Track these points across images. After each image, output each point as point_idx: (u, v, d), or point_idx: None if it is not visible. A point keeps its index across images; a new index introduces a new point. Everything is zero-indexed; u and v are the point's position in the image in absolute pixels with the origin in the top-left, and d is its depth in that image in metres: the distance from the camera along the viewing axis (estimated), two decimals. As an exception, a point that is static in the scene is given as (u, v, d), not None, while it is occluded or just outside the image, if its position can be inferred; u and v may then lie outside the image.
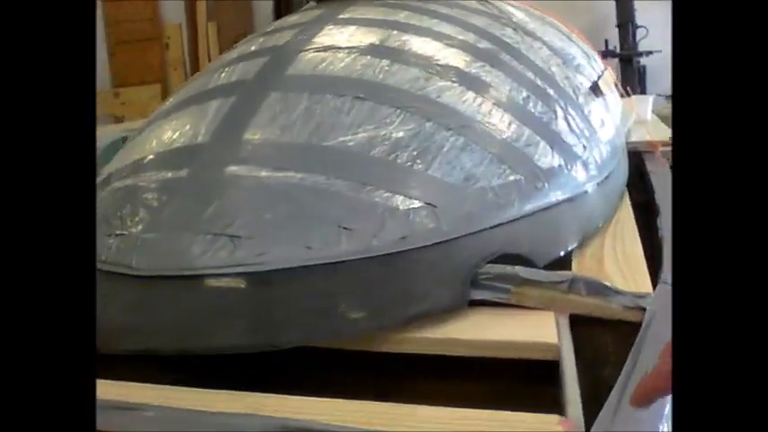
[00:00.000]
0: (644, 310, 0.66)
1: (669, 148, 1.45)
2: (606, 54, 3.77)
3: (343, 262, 0.66)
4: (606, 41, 3.83)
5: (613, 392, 0.52)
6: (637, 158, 1.36)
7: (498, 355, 0.64)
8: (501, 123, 0.87)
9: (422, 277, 0.69)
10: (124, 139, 2.51)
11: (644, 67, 3.76)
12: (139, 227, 0.72)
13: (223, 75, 0.97)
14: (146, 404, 0.58)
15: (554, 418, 0.51)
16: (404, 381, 0.66)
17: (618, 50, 3.79)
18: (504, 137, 0.86)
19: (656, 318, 0.64)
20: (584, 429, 0.50)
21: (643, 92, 3.37)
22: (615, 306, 0.68)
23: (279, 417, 0.51)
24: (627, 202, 1.05)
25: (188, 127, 0.85)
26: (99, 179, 0.91)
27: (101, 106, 4.74)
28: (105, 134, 2.76)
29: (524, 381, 0.64)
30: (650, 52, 3.67)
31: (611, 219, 0.97)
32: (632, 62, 3.73)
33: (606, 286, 0.69)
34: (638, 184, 1.24)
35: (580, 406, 0.53)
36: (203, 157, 0.78)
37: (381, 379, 0.66)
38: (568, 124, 0.98)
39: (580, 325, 0.70)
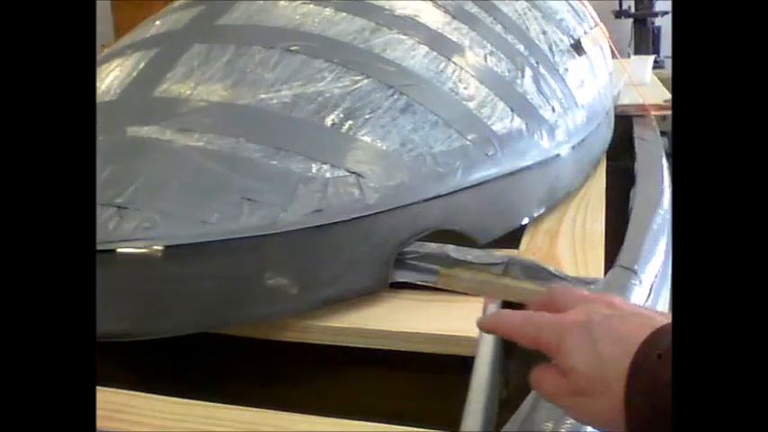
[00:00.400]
0: (588, 298, 0.58)
1: (665, 112, 1.35)
2: (620, 14, 3.61)
3: (244, 239, 0.58)
4: (620, 1, 3.66)
5: (525, 403, 0.44)
6: (627, 123, 1.26)
7: (410, 349, 0.56)
8: (454, 82, 0.78)
9: (336, 257, 0.60)
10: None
11: (659, 29, 3.59)
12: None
13: (156, 24, 0.88)
14: None
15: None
16: (305, 371, 0.59)
17: (632, 11, 3.62)
18: (456, 98, 0.76)
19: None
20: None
21: (656, 53, 3.21)
22: (556, 293, 0.59)
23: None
24: (602, 170, 0.96)
25: (106, 82, 0.76)
26: None
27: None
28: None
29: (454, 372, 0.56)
30: (665, 12, 3.50)
31: (580, 188, 0.88)
32: (646, 23, 3.56)
33: (546, 270, 0.60)
34: (628, 150, 1.14)
35: (480, 419, 0.45)
36: (111, 116, 0.70)
37: (276, 369, 0.58)
38: (537, 85, 0.88)
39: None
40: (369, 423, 0.46)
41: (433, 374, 0.59)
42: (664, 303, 0.66)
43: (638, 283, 0.61)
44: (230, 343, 0.59)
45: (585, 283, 0.60)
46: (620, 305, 0.40)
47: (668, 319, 0.35)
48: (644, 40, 3.49)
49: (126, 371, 0.59)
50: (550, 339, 0.38)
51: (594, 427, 0.38)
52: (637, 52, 3.15)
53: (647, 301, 0.60)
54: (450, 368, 0.56)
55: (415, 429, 0.44)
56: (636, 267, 0.63)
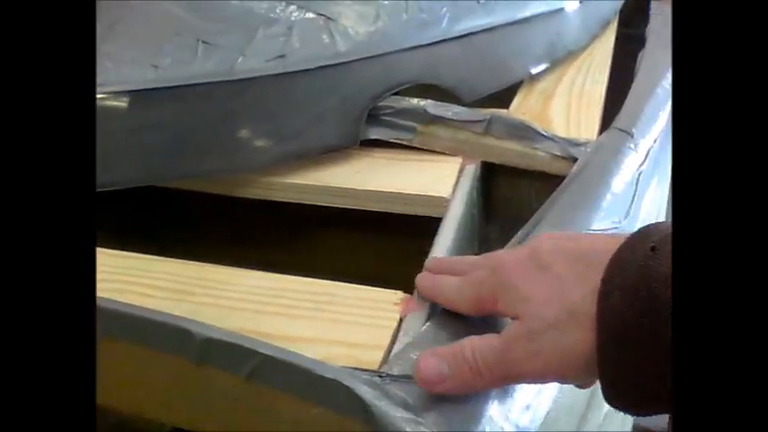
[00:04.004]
0: (576, 161, 0.53)
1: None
2: None
3: (198, 85, 0.53)
4: None
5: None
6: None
7: (381, 209, 0.52)
8: None
9: (300, 109, 0.55)
10: None
11: None
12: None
13: None
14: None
15: (397, 295, 0.40)
16: (271, 230, 0.55)
17: None
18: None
19: (585, 170, 0.50)
20: (427, 313, 0.38)
21: None
22: (541, 154, 0.54)
23: None
24: (611, 32, 0.87)
25: None
26: None
27: None
28: None
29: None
30: None
31: (584, 49, 0.80)
32: None
33: (532, 129, 0.54)
34: (644, 16, 1.04)
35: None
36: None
37: (241, 227, 0.55)
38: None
39: (500, 176, 0.57)
40: (335, 282, 0.42)
41: (404, 237, 0.55)
42: (661, 179, 0.60)
43: (633, 147, 0.55)
44: (194, 199, 0.55)
45: (575, 144, 0.54)
46: (560, 234, 0.35)
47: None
48: None
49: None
50: (494, 290, 0.33)
51: (568, 375, 0.32)
52: None
53: (641, 166, 0.55)
54: (423, 232, 0.52)
55: (363, 287, 0.41)
56: (633, 131, 0.57)
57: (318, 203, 0.54)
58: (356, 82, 0.56)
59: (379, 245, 0.59)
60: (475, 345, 0.32)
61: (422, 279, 0.40)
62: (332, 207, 0.54)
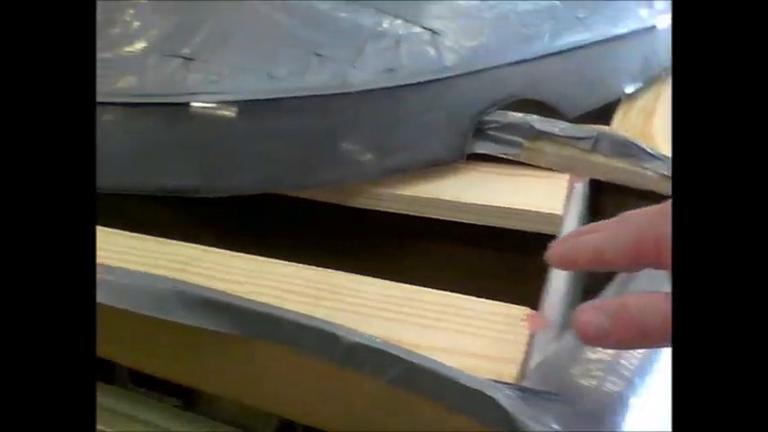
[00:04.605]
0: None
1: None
2: None
3: (311, 97, 0.54)
4: None
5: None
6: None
7: (487, 223, 0.52)
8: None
9: (409, 122, 0.56)
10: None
11: None
12: (108, 44, 0.62)
13: None
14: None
15: (523, 310, 0.40)
16: (377, 241, 0.56)
17: None
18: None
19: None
20: (556, 331, 0.38)
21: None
22: (649, 173, 0.54)
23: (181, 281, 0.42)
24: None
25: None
26: None
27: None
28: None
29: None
30: None
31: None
32: None
33: (639, 147, 0.54)
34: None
35: (560, 298, 0.41)
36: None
37: (347, 237, 0.56)
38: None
39: (607, 195, 0.57)
40: (437, 291, 0.43)
41: (512, 253, 0.55)
42: None
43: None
44: (300, 205, 0.57)
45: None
46: None
47: None
48: None
49: (196, 227, 0.58)
50: (659, 237, 0.30)
51: None
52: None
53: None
54: (529, 247, 0.52)
55: (485, 301, 0.41)
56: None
57: (427, 215, 0.54)
58: (462, 96, 0.57)
59: (486, 260, 0.59)
60: (640, 303, 0.30)
61: (557, 244, 0.36)
62: (439, 220, 0.54)
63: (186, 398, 0.51)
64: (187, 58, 0.56)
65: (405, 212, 0.55)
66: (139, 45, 0.60)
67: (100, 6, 0.67)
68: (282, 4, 0.58)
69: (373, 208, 0.56)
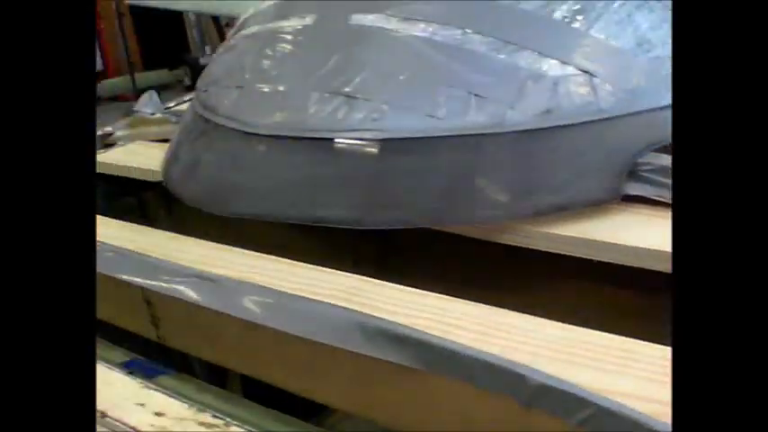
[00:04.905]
0: None
1: None
2: None
3: (470, 136, 0.56)
4: None
5: None
6: None
7: (640, 265, 0.52)
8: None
9: (566, 162, 0.57)
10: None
11: None
12: (257, 79, 0.66)
13: None
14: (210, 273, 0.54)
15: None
16: (527, 279, 0.57)
17: None
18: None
19: None
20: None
21: None
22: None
23: (350, 309, 0.45)
24: None
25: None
26: (234, 27, 0.86)
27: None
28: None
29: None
30: None
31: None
32: None
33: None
34: None
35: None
36: (330, 3, 0.69)
37: (500, 274, 0.57)
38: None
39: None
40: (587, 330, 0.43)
41: (663, 295, 0.55)
42: None
43: None
44: (451, 240, 0.58)
45: None
46: None
47: None
48: None
49: (353, 257, 0.60)
50: None
51: None
52: None
53: None
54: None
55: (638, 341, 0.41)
56: None
57: (577, 255, 0.55)
58: (618, 138, 0.58)
59: (637, 301, 0.59)
60: None
61: None
62: (588, 260, 0.55)
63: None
64: (350, 96, 0.59)
65: (556, 251, 0.56)
66: (297, 80, 0.64)
67: (256, 38, 0.71)
68: (440, 45, 0.60)
69: (524, 246, 0.56)
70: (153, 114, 1.11)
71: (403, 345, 0.39)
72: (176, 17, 4.63)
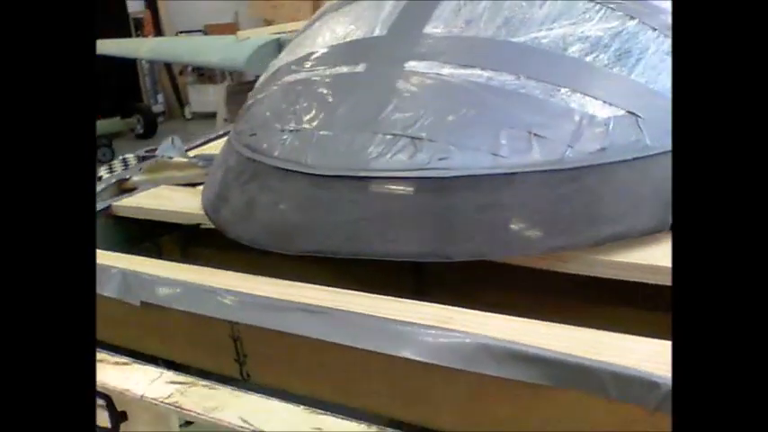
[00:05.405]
0: None
1: None
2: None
3: (534, 173, 0.60)
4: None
5: None
6: None
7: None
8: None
9: (619, 195, 0.61)
10: (276, 42, 2.54)
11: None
12: (315, 123, 0.70)
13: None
14: (323, 307, 0.57)
15: None
16: (587, 305, 0.61)
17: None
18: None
19: None
20: None
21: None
22: None
23: (474, 334, 0.48)
24: None
25: (363, 20, 0.79)
26: (266, 74, 0.89)
27: (252, 9, 4.81)
28: (257, 35, 2.82)
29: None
30: None
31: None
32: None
33: None
34: None
35: None
36: (381, 51, 0.73)
37: (565, 302, 0.61)
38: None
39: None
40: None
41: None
42: None
43: None
44: (514, 270, 0.62)
45: None
46: None
47: None
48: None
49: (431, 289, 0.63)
50: None
51: None
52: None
53: None
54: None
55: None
56: None
57: (640, 280, 0.59)
58: (664, 171, 0.62)
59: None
60: None
61: None
62: (645, 284, 0.59)
63: None
64: (415, 138, 0.63)
65: (616, 277, 0.60)
66: (359, 123, 0.67)
67: (306, 84, 0.75)
68: (496, 89, 0.64)
69: (587, 274, 0.61)
70: (172, 159, 1.13)
71: (531, 363, 0.42)
72: (129, 65, 4.60)
